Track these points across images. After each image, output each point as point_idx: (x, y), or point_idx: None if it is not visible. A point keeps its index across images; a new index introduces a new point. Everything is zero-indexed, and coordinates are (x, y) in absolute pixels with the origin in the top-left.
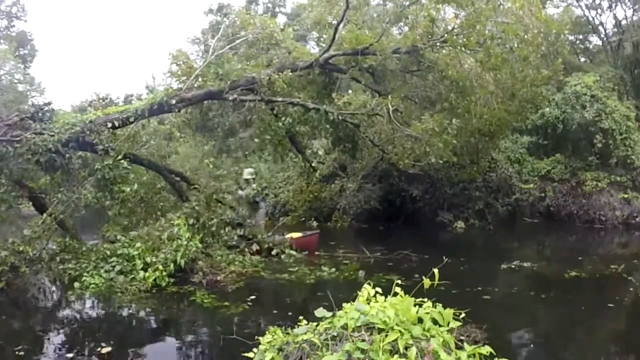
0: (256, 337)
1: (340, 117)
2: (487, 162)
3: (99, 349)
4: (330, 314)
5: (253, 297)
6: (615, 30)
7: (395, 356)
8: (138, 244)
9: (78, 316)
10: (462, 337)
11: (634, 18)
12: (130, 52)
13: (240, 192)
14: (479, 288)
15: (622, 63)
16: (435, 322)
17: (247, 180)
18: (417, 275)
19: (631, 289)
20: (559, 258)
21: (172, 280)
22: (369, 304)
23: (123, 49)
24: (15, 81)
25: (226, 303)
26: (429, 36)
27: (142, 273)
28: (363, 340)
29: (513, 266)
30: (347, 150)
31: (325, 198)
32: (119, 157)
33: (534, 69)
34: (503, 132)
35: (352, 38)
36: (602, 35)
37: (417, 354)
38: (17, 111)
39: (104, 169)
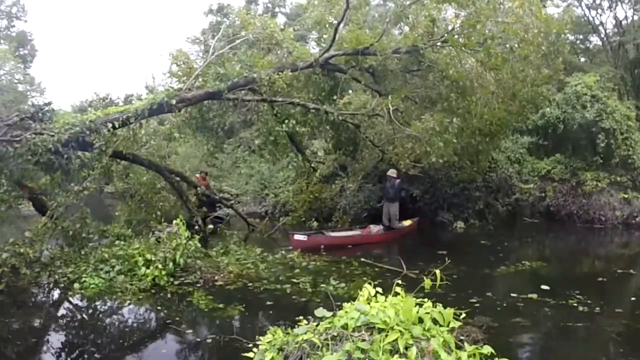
0: (257, 337)
1: (340, 118)
2: (487, 162)
3: None
4: (331, 313)
5: (252, 297)
6: (616, 30)
7: (396, 356)
8: (136, 245)
9: (78, 316)
10: (462, 337)
11: (635, 18)
12: (130, 52)
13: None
14: (479, 288)
15: (623, 63)
16: (435, 322)
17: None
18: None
19: (631, 289)
20: (558, 258)
21: (171, 279)
22: (369, 304)
23: (123, 49)
24: (15, 81)
25: (221, 305)
26: (430, 36)
27: (143, 269)
28: (363, 340)
29: (513, 266)
30: (348, 153)
31: (325, 198)
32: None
33: (534, 68)
34: (504, 132)
35: (353, 38)
36: (603, 36)
37: (417, 354)
38: (17, 111)
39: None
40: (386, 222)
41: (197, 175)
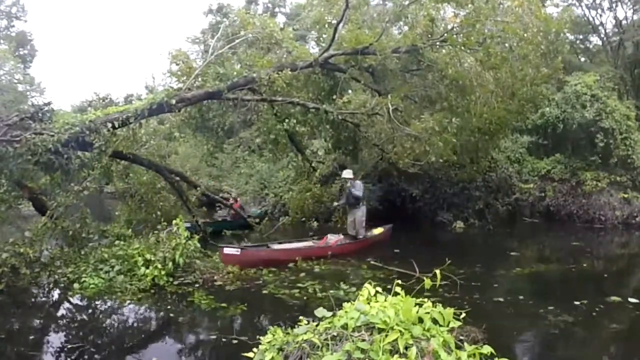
0: (257, 336)
1: (340, 117)
2: (487, 161)
3: None
4: (330, 313)
5: (252, 298)
6: (616, 30)
7: (395, 356)
8: (136, 245)
9: (78, 316)
10: (462, 337)
11: (634, 18)
12: (130, 52)
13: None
14: (479, 288)
15: (622, 63)
16: (435, 321)
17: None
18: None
19: (631, 289)
20: (558, 257)
21: (170, 279)
22: (369, 303)
23: (123, 49)
24: (15, 81)
25: (222, 305)
26: (429, 35)
27: (143, 269)
28: (363, 340)
29: (513, 267)
30: (347, 152)
31: (324, 198)
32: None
33: (533, 67)
34: (503, 132)
35: (352, 38)
36: (602, 35)
37: (417, 353)
38: (17, 111)
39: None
40: (351, 232)
41: (231, 199)
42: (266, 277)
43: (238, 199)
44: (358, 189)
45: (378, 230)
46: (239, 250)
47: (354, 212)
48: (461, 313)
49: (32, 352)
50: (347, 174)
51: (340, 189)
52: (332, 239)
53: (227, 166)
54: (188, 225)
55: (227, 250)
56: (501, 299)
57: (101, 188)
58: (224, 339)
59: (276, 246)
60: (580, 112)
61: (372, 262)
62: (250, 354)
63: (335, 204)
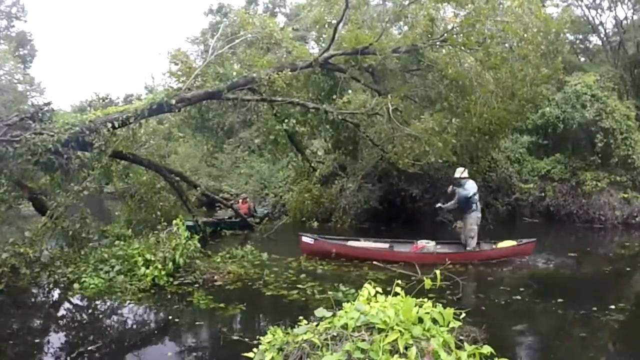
0: (257, 336)
1: (340, 117)
2: (487, 161)
3: None
4: (330, 313)
5: (252, 297)
6: (616, 30)
7: (395, 356)
8: (136, 245)
9: (78, 316)
10: (462, 337)
11: (635, 18)
12: (130, 52)
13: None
14: (479, 288)
15: (622, 63)
16: (435, 322)
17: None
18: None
19: (631, 289)
20: (558, 257)
21: (170, 279)
22: (369, 304)
23: (123, 49)
24: (15, 81)
25: (221, 305)
26: (429, 35)
27: (143, 269)
28: (363, 340)
29: (513, 267)
30: (347, 152)
31: (322, 198)
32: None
33: (533, 67)
34: (503, 132)
35: (352, 37)
36: (602, 35)
37: (417, 354)
38: (17, 111)
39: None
40: (463, 240)
41: (239, 200)
42: (267, 278)
43: (248, 201)
44: (467, 188)
45: (506, 243)
46: (312, 240)
47: (464, 217)
48: (461, 313)
49: (33, 352)
50: (460, 172)
51: (452, 190)
52: (421, 244)
53: (227, 166)
54: (190, 224)
55: (304, 239)
56: (502, 300)
57: (101, 188)
58: (224, 339)
59: (355, 243)
60: (580, 112)
61: (374, 263)
62: (250, 354)
63: (440, 205)
